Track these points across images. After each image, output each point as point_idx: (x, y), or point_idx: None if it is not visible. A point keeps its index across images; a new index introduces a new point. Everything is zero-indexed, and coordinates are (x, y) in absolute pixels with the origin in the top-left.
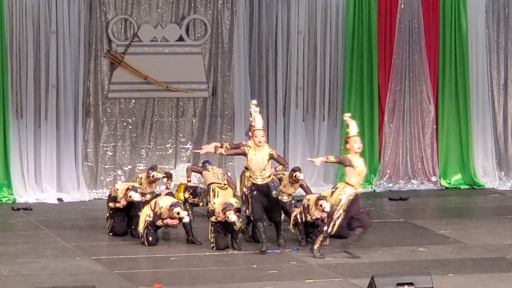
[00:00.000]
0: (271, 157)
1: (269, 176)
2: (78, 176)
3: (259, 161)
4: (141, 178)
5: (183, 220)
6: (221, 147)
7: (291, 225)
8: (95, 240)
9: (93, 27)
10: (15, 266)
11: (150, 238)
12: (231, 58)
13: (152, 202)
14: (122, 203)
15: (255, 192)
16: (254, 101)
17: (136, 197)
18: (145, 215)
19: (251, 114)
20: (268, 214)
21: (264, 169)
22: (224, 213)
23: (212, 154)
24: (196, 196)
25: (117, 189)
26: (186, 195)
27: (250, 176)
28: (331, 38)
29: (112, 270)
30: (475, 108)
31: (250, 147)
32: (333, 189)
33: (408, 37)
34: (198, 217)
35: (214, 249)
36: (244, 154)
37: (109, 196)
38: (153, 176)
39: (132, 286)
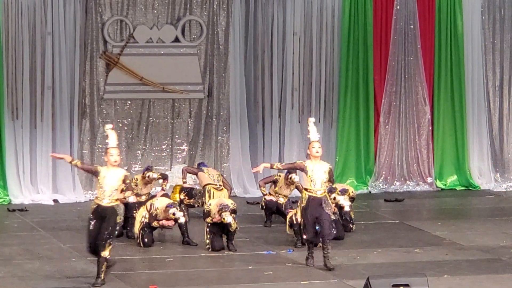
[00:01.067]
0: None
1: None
2: (73, 177)
3: (320, 173)
4: (137, 179)
5: (179, 221)
6: (271, 167)
7: (287, 227)
8: None
9: (88, 28)
10: (10, 267)
11: (146, 239)
12: (227, 59)
13: (148, 203)
14: None
15: (305, 212)
16: (312, 119)
17: (131, 198)
18: (140, 216)
19: (308, 131)
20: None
21: (325, 181)
22: (220, 214)
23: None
24: (192, 197)
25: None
26: (182, 196)
27: (307, 189)
28: (326, 39)
29: (108, 272)
30: (471, 110)
31: (306, 163)
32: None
33: (403, 38)
34: (193, 219)
35: (210, 250)
36: (302, 168)
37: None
38: (148, 176)
39: None
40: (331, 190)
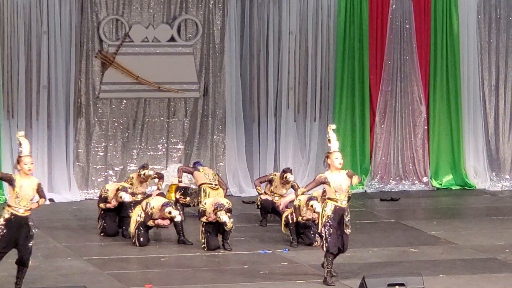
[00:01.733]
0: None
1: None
2: (69, 177)
3: (342, 183)
4: (132, 178)
5: (175, 220)
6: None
7: (282, 226)
8: (86, 241)
9: (84, 27)
10: (6, 266)
11: (141, 239)
12: (223, 58)
13: (144, 203)
14: (113, 203)
15: (331, 222)
16: (333, 125)
17: (126, 197)
18: (136, 215)
19: (329, 140)
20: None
21: (347, 191)
22: (215, 214)
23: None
24: (187, 197)
25: (108, 190)
26: (177, 196)
27: (331, 199)
28: (322, 38)
29: (103, 271)
30: (467, 109)
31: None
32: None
33: (399, 38)
34: (189, 218)
35: (205, 249)
36: (325, 182)
37: (100, 196)
38: (144, 174)
39: (123, 287)
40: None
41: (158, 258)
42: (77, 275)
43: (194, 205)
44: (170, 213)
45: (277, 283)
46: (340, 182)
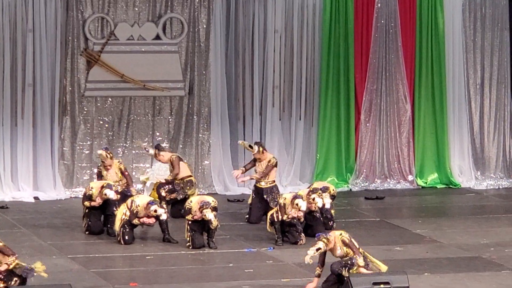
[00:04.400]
0: None
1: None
2: (54, 175)
3: None
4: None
5: (161, 218)
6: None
7: (267, 225)
8: (71, 239)
9: (69, 25)
10: None
11: (126, 237)
12: (208, 56)
13: (129, 201)
14: (98, 201)
15: None
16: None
17: (111, 194)
18: (121, 213)
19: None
20: None
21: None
22: (201, 211)
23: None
24: (173, 193)
25: (92, 188)
26: (163, 193)
27: None
28: (307, 37)
29: (88, 269)
30: (452, 108)
31: None
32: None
33: (384, 36)
34: (174, 217)
35: (190, 248)
36: None
37: (84, 194)
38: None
39: (108, 285)
40: (312, 191)
41: (143, 257)
42: (62, 273)
43: (182, 197)
44: (155, 211)
45: (262, 282)
46: None
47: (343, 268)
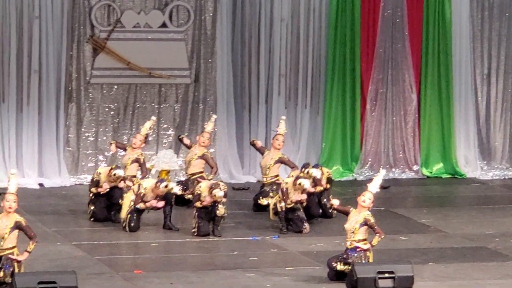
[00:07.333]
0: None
1: None
2: (59, 161)
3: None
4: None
5: (172, 191)
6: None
7: (270, 214)
8: (76, 226)
9: (76, 12)
10: None
11: (133, 224)
12: (214, 44)
13: (135, 186)
14: (105, 187)
15: None
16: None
17: (121, 172)
18: (129, 200)
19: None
20: None
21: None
22: (211, 192)
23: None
24: (187, 190)
25: (100, 173)
26: (178, 192)
27: None
28: (314, 25)
29: (93, 256)
30: (458, 97)
31: None
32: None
33: (391, 26)
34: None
35: (195, 234)
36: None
37: (92, 180)
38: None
39: (113, 272)
40: (304, 166)
41: (147, 244)
42: (66, 260)
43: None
44: (166, 186)
45: (267, 270)
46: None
47: (339, 262)
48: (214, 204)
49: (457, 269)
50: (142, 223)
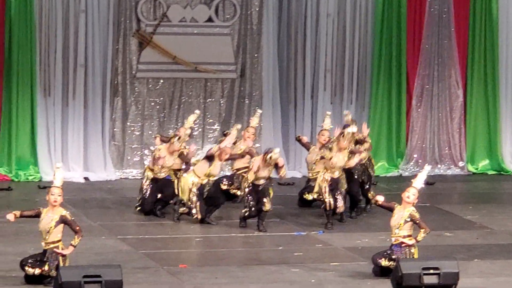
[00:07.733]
0: None
1: None
2: (105, 155)
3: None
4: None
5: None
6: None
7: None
8: (121, 220)
9: (122, 6)
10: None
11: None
12: (260, 39)
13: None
14: (162, 173)
15: None
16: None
17: (192, 147)
18: (190, 183)
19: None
20: None
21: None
22: (265, 159)
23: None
24: (233, 184)
25: (160, 149)
26: (225, 187)
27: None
28: (360, 21)
29: (138, 250)
30: (504, 94)
31: None
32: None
33: (437, 22)
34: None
35: (246, 215)
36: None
37: (153, 158)
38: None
39: (157, 266)
40: (345, 127)
41: (192, 238)
42: (111, 253)
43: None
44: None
45: (311, 265)
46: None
47: (384, 258)
48: (263, 189)
49: (503, 265)
50: (187, 218)
